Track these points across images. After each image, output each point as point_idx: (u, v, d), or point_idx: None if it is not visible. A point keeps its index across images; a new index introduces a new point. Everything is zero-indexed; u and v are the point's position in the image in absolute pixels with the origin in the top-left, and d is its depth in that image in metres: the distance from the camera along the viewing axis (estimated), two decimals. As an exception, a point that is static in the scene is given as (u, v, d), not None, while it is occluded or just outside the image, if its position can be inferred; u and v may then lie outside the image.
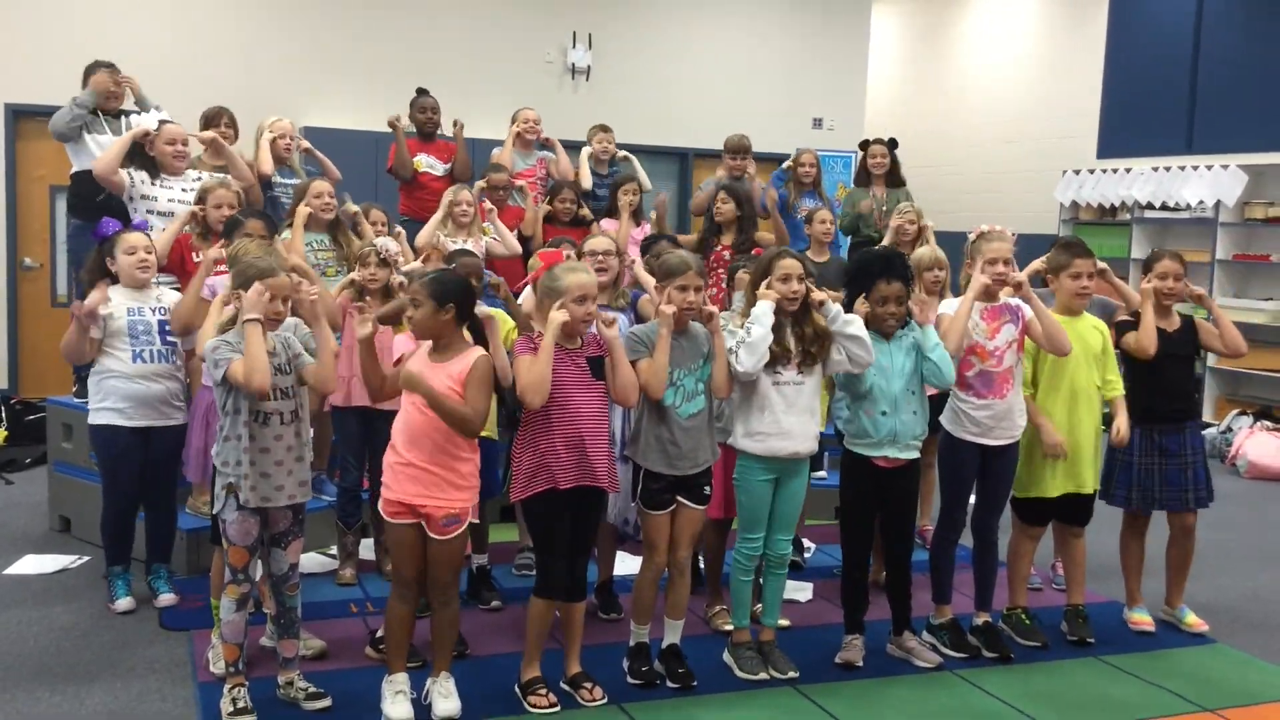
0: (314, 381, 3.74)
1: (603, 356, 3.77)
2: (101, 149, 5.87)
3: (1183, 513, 4.71)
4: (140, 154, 5.57)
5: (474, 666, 3.99)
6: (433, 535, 3.59)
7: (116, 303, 4.48)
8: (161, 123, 5.61)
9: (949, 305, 4.40)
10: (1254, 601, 5.26)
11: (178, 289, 4.83)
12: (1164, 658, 4.48)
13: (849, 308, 4.15)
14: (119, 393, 4.46)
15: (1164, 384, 4.65)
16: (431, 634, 3.75)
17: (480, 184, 6.39)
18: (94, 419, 4.52)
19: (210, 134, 6.00)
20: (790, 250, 4.22)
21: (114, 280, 4.54)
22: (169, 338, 4.56)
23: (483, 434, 3.74)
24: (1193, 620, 4.74)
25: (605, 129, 7.26)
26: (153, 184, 5.52)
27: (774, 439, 4.00)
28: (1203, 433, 4.85)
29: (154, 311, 4.55)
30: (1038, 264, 4.66)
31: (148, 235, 4.70)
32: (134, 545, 4.71)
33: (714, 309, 3.96)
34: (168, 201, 5.50)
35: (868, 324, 4.09)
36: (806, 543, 5.52)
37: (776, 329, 3.96)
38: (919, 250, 5.37)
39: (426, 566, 3.63)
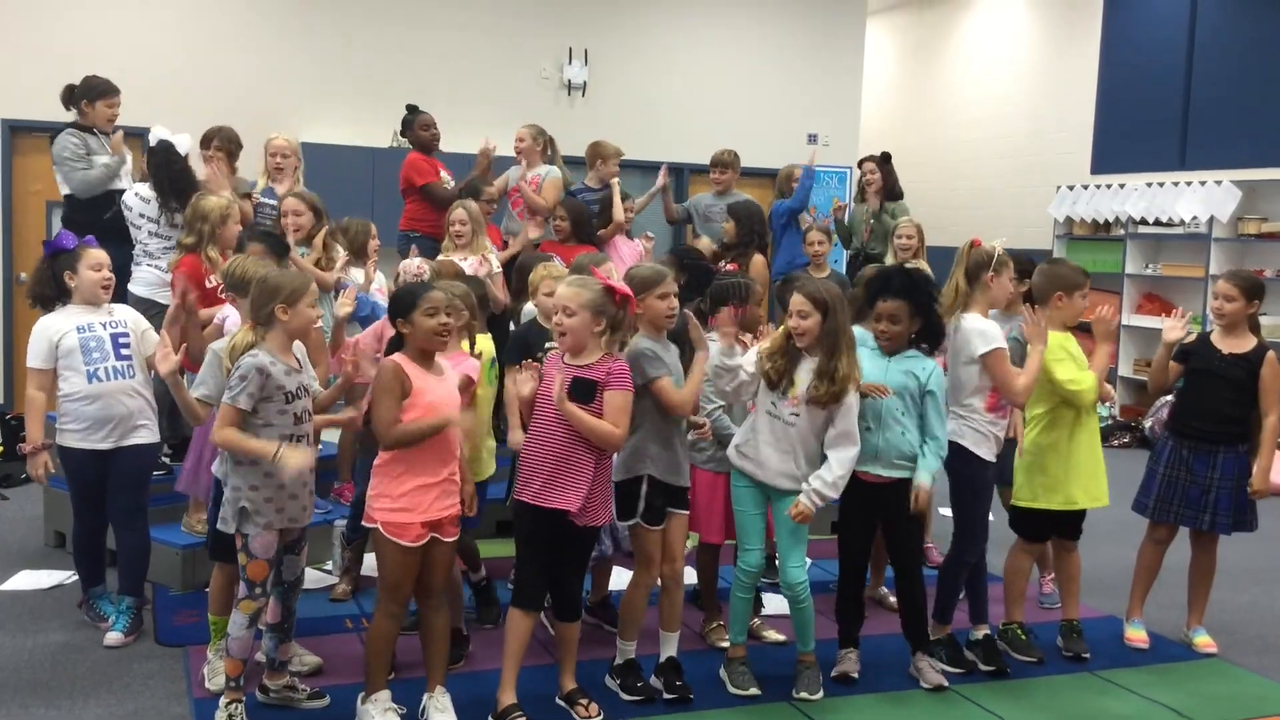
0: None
1: (593, 381, 3.62)
2: (103, 167, 5.93)
3: (1197, 532, 4.70)
4: (167, 174, 5.54)
5: (471, 681, 3.98)
6: (446, 540, 3.61)
7: (66, 322, 4.29)
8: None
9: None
10: (1250, 615, 5.26)
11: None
12: (1159, 672, 4.48)
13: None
14: (79, 415, 4.25)
15: (1198, 403, 4.61)
16: (426, 647, 3.71)
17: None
18: (59, 440, 4.32)
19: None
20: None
21: (68, 298, 4.33)
22: (124, 351, 4.31)
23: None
24: (1201, 641, 4.73)
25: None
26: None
27: (748, 461, 4.01)
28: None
29: (105, 326, 4.30)
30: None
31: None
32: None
33: (688, 313, 4.00)
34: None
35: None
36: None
37: (790, 360, 3.92)
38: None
39: (421, 577, 3.61)
